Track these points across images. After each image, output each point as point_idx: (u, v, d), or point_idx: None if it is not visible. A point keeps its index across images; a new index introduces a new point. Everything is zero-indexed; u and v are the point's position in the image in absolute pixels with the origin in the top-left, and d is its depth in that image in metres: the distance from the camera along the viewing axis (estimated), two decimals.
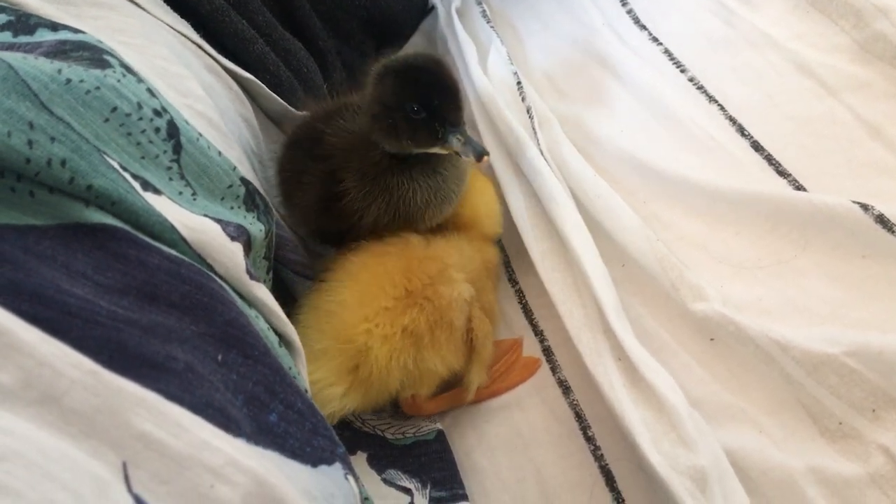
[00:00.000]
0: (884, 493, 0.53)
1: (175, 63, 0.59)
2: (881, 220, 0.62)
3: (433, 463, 0.65)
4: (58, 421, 0.30)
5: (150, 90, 0.47)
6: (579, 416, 0.66)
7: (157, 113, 0.47)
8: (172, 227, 0.42)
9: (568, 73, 0.96)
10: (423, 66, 0.63)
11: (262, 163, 0.76)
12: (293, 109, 0.83)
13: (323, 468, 0.40)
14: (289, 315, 0.53)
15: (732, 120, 0.79)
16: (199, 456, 0.33)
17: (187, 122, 0.50)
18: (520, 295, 0.79)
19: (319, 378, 0.61)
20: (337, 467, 0.41)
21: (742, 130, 0.78)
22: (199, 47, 0.71)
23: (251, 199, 0.54)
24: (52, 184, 0.37)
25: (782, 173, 0.73)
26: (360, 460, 0.65)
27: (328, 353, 0.61)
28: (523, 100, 0.87)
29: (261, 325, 0.46)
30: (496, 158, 0.84)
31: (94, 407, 0.31)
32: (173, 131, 0.48)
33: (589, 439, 0.65)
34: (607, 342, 0.66)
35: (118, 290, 0.37)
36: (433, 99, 0.62)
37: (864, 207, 0.63)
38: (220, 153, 0.52)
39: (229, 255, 0.45)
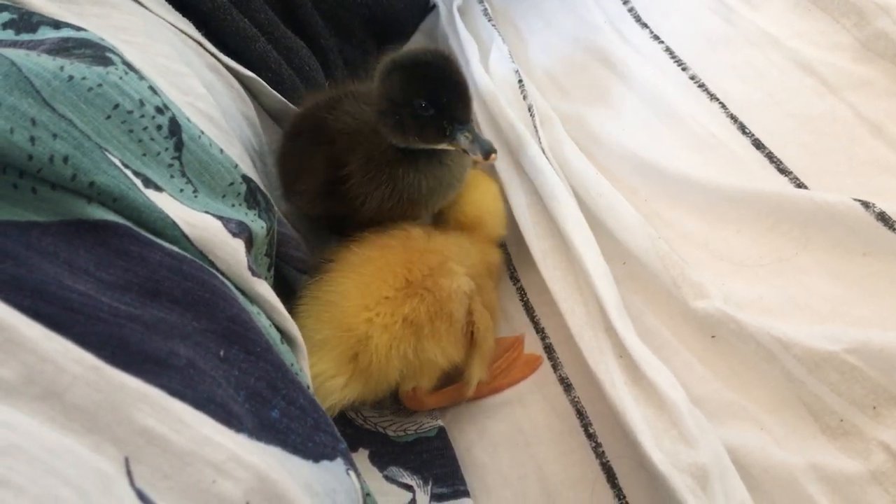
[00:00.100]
0: (885, 489, 0.53)
1: (177, 61, 0.59)
2: (882, 217, 0.62)
3: (434, 459, 0.65)
4: (60, 416, 0.30)
5: (151, 88, 0.47)
6: (580, 414, 0.67)
7: (159, 110, 0.47)
8: (174, 224, 0.42)
9: (569, 71, 0.96)
10: (432, 62, 0.63)
11: (264, 160, 0.76)
12: (295, 107, 0.83)
13: (325, 464, 0.40)
14: (290, 312, 0.53)
15: (733, 118, 0.79)
16: (201, 451, 0.33)
17: (189, 120, 0.50)
18: (521, 293, 0.79)
19: (321, 371, 0.61)
20: (339, 463, 0.41)
21: (743, 128, 0.78)
22: (201, 45, 0.71)
23: (252, 197, 0.54)
24: (54, 180, 0.37)
25: (783, 171, 0.73)
26: (361, 457, 0.65)
27: (328, 343, 0.62)
28: (525, 98, 0.87)
29: (262, 321, 0.47)
30: (498, 157, 0.84)
31: (96, 402, 0.31)
32: (175, 129, 0.48)
33: (590, 436, 0.65)
34: (609, 340, 0.66)
35: (120, 287, 0.37)
36: (441, 96, 0.62)
37: (865, 205, 0.63)
38: (221, 151, 0.52)
39: (231, 252, 0.46)
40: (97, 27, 0.52)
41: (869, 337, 0.57)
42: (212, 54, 0.72)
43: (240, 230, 0.48)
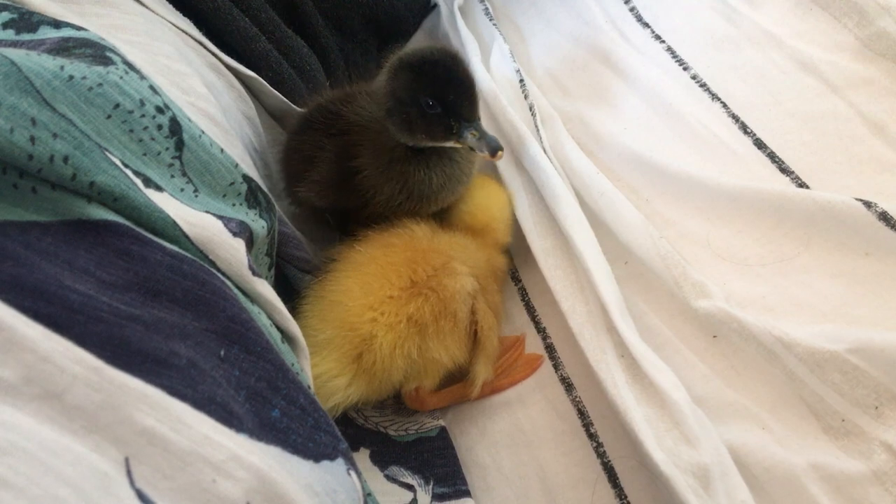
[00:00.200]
0: (886, 489, 0.53)
1: (177, 61, 0.59)
2: (884, 217, 0.62)
3: (436, 459, 0.65)
4: (60, 416, 0.30)
5: (152, 87, 0.47)
6: (582, 413, 0.66)
7: (160, 110, 0.47)
8: (174, 224, 0.42)
9: (570, 70, 0.96)
10: (439, 61, 0.63)
11: (265, 160, 0.76)
12: (296, 107, 0.83)
13: (325, 464, 0.40)
14: (292, 311, 0.53)
15: (735, 117, 0.79)
16: (201, 451, 0.33)
17: (189, 120, 0.50)
18: (522, 292, 0.79)
19: (324, 370, 0.61)
20: (339, 463, 0.41)
21: (745, 128, 0.78)
22: (202, 45, 0.71)
23: (253, 196, 0.54)
24: (54, 180, 0.37)
25: (785, 171, 0.73)
26: (362, 457, 0.65)
27: (332, 343, 0.62)
28: (526, 97, 0.87)
29: (263, 321, 0.46)
30: None
31: (96, 403, 0.31)
32: (175, 128, 0.48)
33: (591, 436, 0.65)
34: (610, 339, 0.66)
35: (120, 287, 0.37)
36: (448, 94, 0.62)
37: (867, 205, 0.62)
38: (222, 150, 0.52)
39: (231, 252, 0.46)
40: (98, 27, 0.52)
41: (871, 337, 0.57)
42: (213, 54, 0.72)
43: (240, 230, 0.48)
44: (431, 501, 0.62)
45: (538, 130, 0.82)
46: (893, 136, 0.70)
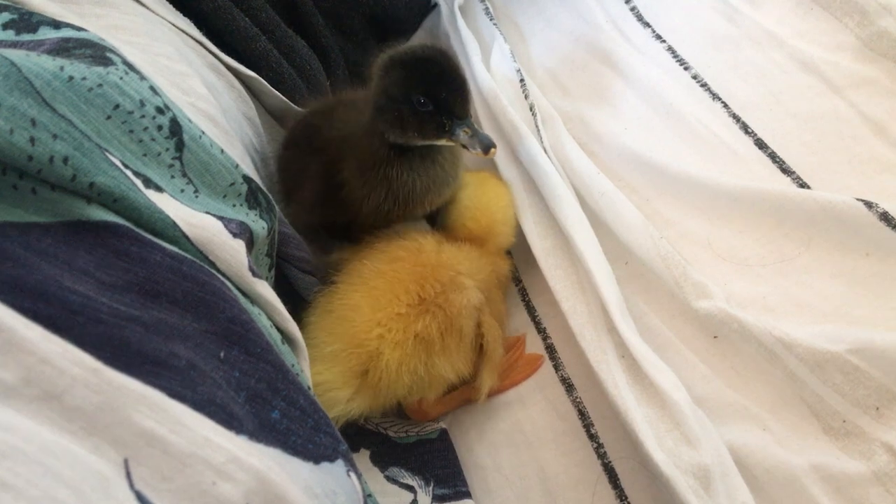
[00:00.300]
0: (887, 490, 0.53)
1: (177, 61, 0.59)
2: (885, 217, 0.61)
3: (436, 460, 0.65)
4: (59, 418, 0.30)
5: (152, 88, 0.47)
6: (582, 414, 0.66)
7: (160, 111, 0.47)
8: (174, 225, 0.42)
9: (571, 70, 0.96)
10: (430, 58, 0.63)
11: (265, 160, 0.76)
12: (296, 107, 0.83)
13: (325, 465, 0.40)
14: (293, 313, 0.53)
15: (736, 117, 0.79)
16: (200, 453, 0.33)
17: (190, 120, 0.50)
18: (523, 292, 0.79)
19: (326, 380, 0.60)
20: (339, 464, 0.41)
21: (746, 128, 0.78)
22: (202, 45, 0.71)
23: (253, 197, 0.54)
24: (54, 181, 0.37)
25: (786, 171, 0.72)
26: (363, 458, 0.65)
27: (338, 357, 0.61)
28: (526, 97, 0.87)
29: (263, 322, 0.46)
30: (499, 155, 0.84)
31: (95, 404, 0.31)
32: (175, 129, 0.48)
33: (592, 437, 0.65)
34: (611, 340, 0.65)
35: (120, 288, 0.37)
36: (440, 91, 0.62)
37: (868, 205, 0.62)
38: (222, 151, 0.52)
39: (231, 252, 0.45)
40: (97, 27, 0.52)
41: (872, 337, 0.57)
42: (213, 54, 0.72)
43: (240, 230, 0.47)
44: (432, 502, 0.62)
45: (539, 130, 0.82)
46: (894, 136, 0.70)
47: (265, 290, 0.49)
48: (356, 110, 0.70)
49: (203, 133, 0.51)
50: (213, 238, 0.45)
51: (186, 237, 0.43)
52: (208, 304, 0.40)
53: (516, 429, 0.68)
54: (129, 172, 0.42)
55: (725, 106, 0.81)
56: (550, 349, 0.73)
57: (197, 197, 0.48)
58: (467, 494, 0.63)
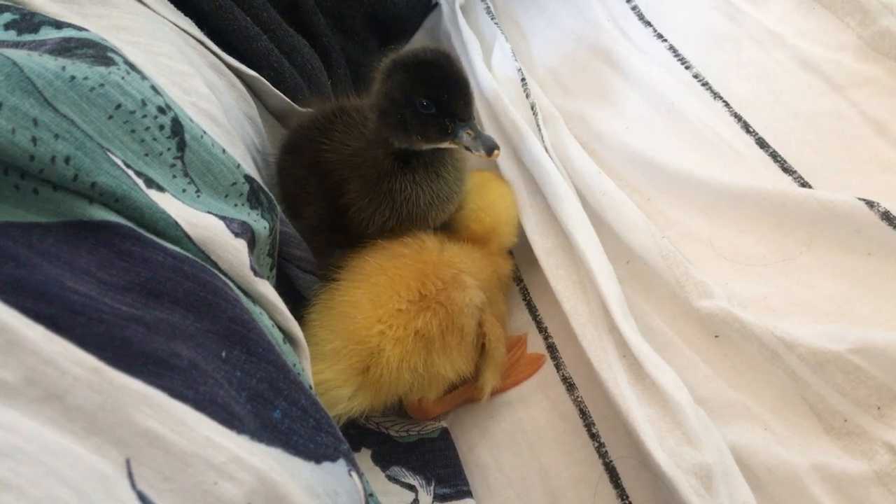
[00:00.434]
0: (889, 490, 0.53)
1: (179, 61, 0.59)
2: (886, 216, 0.61)
3: (437, 460, 0.65)
4: (61, 418, 0.30)
5: (153, 88, 0.47)
6: (583, 413, 0.66)
7: (161, 110, 0.47)
8: (176, 224, 0.42)
9: (572, 69, 0.96)
10: (433, 61, 0.63)
11: (266, 160, 0.76)
12: (297, 106, 0.83)
13: (327, 465, 0.40)
14: (294, 312, 0.53)
15: (737, 117, 0.79)
16: (202, 453, 0.33)
17: (191, 120, 0.50)
18: (524, 292, 0.79)
19: (328, 378, 0.60)
20: (341, 464, 0.41)
21: (747, 127, 0.78)
22: (203, 45, 0.71)
23: (255, 197, 0.54)
24: (55, 181, 0.37)
25: (787, 170, 0.72)
26: (364, 457, 0.65)
27: (339, 354, 0.61)
28: (528, 96, 0.87)
29: (265, 321, 0.46)
30: (501, 155, 0.84)
31: (97, 404, 0.31)
32: (177, 129, 0.48)
33: (593, 436, 0.65)
34: (612, 339, 0.65)
35: (122, 288, 0.37)
36: (442, 94, 0.62)
37: (870, 204, 0.62)
38: (223, 150, 0.52)
39: (233, 252, 0.45)
40: (99, 27, 0.52)
41: (873, 337, 0.57)
42: (214, 53, 0.72)
43: (242, 230, 0.47)
44: (433, 502, 0.62)
45: (540, 129, 0.82)
46: None
47: (267, 289, 0.49)
48: (357, 125, 0.70)
49: (205, 133, 0.51)
50: (215, 238, 0.45)
51: (188, 237, 0.43)
52: (210, 304, 0.40)
53: (517, 428, 0.68)
54: (130, 172, 0.42)
55: (727, 105, 0.81)
56: (552, 349, 0.73)
57: (199, 197, 0.48)
58: (468, 494, 0.63)
